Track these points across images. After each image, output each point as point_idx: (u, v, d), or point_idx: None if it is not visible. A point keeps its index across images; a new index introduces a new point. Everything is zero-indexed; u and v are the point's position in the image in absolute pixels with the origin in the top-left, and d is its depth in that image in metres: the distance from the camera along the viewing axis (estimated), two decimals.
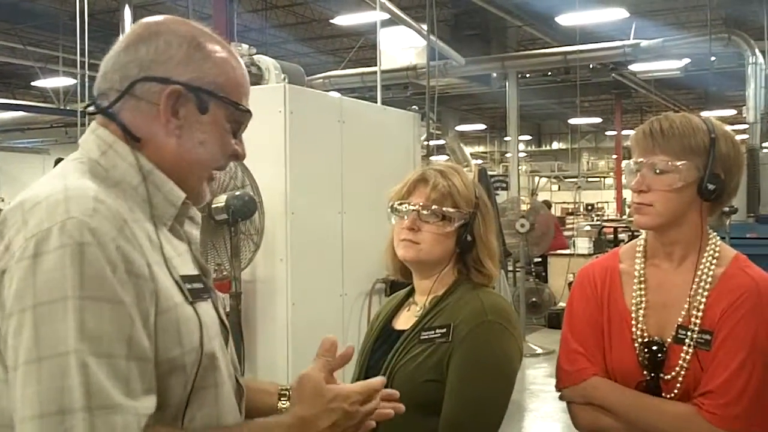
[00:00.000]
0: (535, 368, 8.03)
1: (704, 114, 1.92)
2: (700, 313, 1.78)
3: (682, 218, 1.81)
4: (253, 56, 4.48)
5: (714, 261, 1.82)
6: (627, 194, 17.81)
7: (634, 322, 1.84)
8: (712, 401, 1.71)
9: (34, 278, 1.09)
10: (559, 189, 35.81)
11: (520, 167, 17.64)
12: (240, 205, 3.56)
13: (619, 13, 13.05)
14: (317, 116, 4.19)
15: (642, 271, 1.88)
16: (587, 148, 35.58)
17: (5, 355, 1.11)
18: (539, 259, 11.34)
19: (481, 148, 35.24)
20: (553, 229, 9.75)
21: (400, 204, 1.93)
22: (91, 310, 1.09)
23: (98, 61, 1.34)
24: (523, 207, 9.40)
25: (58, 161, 1.47)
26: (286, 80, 4.38)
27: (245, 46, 4.51)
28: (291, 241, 3.90)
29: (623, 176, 2.05)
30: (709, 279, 1.80)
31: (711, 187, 1.78)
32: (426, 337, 1.84)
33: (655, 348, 1.78)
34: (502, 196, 11.31)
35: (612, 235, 12.14)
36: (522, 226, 9.08)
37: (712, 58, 12.17)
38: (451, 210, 1.88)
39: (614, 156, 27.69)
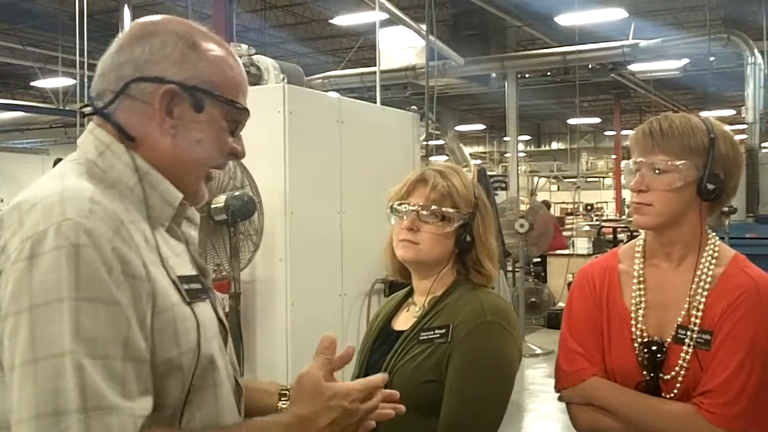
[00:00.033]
0: (535, 368, 8.03)
1: (703, 114, 1.92)
2: (699, 313, 1.78)
3: (681, 218, 1.82)
4: (252, 56, 4.48)
5: (713, 261, 1.82)
6: (626, 194, 17.83)
7: (633, 322, 1.84)
8: (712, 400, 1.71)
9: (30, 280, 1.09)
10: (558, 189, 35.82)
11: (519, 167, 17.64)
12: (239, 205, 3.56)
13: (618, 13, 13.06)
14: (316, 116, 4.19)
15: (641, 271, 1.88)
16: (586, 148, 35.59)
17: (2, 356, 1.11)
18: (538, 260, 11.34)
19: (480, 149, 35.25)
20: (552, 229, 9.75)
21: (400, 204, 1.93)
22: (87, 311, 1.09)
23: (97, 61, 1.34)
24: (523, 207, 9.40)
25: (57, 161, 1.47)
26: (285, 80, 4.39)
27: (244, 47, 4.51)
28: (290, 242, 3.90)
29: (622, 176, 2.05)
30: (709, 279, 1.80)
31: (710, 186, 1.78)
32: (425, 337, 1.84)
33: (654, 348, 1.78)
34: (501, 197, 11.31)
35: (611, 236, 12.14)
36: (521, 226, 9.08)
37: (711, 59, 12.15)
38: (450, 210, 1.88)
39: (613, 156, 27.71)
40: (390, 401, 1.45)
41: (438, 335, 1.82)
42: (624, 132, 24.31)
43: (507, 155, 19.79)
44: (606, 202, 29.82)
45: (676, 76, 15.32)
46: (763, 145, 10.85)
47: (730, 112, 19.83)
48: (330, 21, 15.41)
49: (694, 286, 1.80)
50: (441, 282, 1.92)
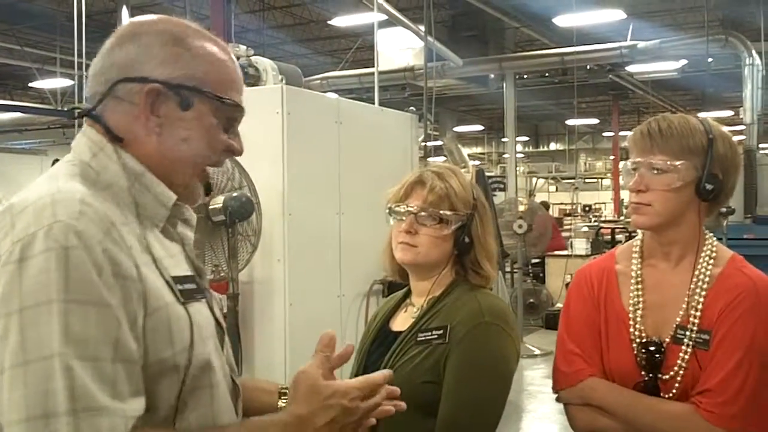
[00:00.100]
0: (533, 369, 8.03)
1: (701, 115, 1.92)
2: (698, 313, 1.78)
3: (680, 218, 1.82)
4: (251, 57, 4.48)
5: (711, 261, 1.83)
6: (624, 195, 17.84)
7: (631, 323, 1.84)
8: (710, 400, 1.71)
9: (20, 282, 1.10)
10: (556, 190, 35.82)
11: (517, 168, 17.65)
12: (237, 206, 3.56)
13: (616, 15, 13.07)
14: (315, 117, 4.19)
15: (639, 272, 1.88)
16: (584, 149, 35.60)
17: None
18: (537, 260, 11.35)
19: (478, 149, 35.25)
20: (550, 229, 9.75)
21: (397, 206, 1.93)
22: (76, 313, 1.09)
23: None
24: (521, 208, 9.41)
25: (55, 162, 1.47)
26: (284, 81, 4.39)
27: (243, 47, 4.51)
28: (288, 242, 3.90)
29: (621, 177, 2.06)
30: (707, 279, 1.81)
31: (709, 187, 1.78)
32: (423, 338, 1.84)
33: (652, 348, 1.79)
34: (499, 197, 11.32)
35: (609, 236, 12.15)
36: (519, 227, 9.08)
37: (709, 60, 12.17)
38: (448, 213, 1.88)
39: (612, 157, 27.73)
40: (390, 398, 1.44)
41: (436, 336, 1.82)
42: (622, 133, 24.33)
43: (505, 156, 19.76)
44: (604, 203, 29.81)
45: (674, 77, 15.34)
46: (761, 146, 10.86)
47: (728, 113, 19.85)
48: (328, 22, 15.40)
49: (692, 285, 1.81)
50: (439, 283, 1.92)
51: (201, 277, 1.38)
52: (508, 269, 9.97)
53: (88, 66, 1.36)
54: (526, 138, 34.24)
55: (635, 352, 1.81)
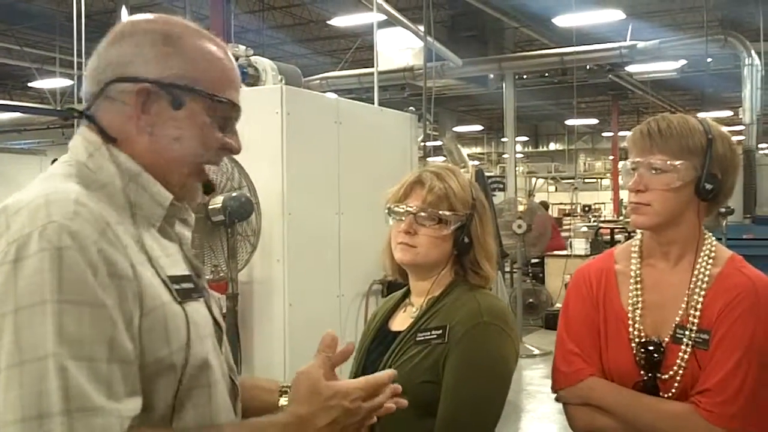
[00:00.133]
0: (532, 369, 8.03)
1: (701, 115, 1.93)
2: (697, 313, 1.78)
3: (679, 218, 1.82)
4: (250, 57, 4.48)
5: (710, 261, 1.83)
6: (624, 195, 17.83)
7: (630, 322, 1.84)
8: (710, 399, 1.71)
9: (14, 283, 1.10)
10: (556, 190, 35.84)
11: (517, 168, 17.66)
12: (237, 206, 3.56)
13: (616, 15, 13.08)
14: (314, 117, 4.19)
15: (638, 271, 1.89)
16: (584, 149, 35.61)
17: None
18: (537, 260, 11.35)
19: (478, 149, 35.25)
20: (550, 229, 9.76)
21: (397, 206, 1.93)
22: (71, 313, 1.09)
23: None
24: (521, 208, 9.41)
25: (55, 162, 1.48)
26: (283, 81, 4.39)
27: (242, 47, 4.51)
28: (288, 242, 3.90)
29: (620, 177, 2.06)
30: (706, 278, 1.81)
31: (708, 186, 1.79)
32: (422, 338, 1.84)
33: (651, 348, 1.79)
34: (499, 197, 11.32)
35: (609, 236, 12.15)
36: (519, 227, 9.08)
37: (709, 60, 12.17)
38: (447, 213, 1.88)
39: (611, 157, 27.73)
40: (392, 395, 1.43)
41: (435, 336, 1.82)
42: (621, 133, 24.33)
43: (505, 156, 19.77)
44: (603, 203, 29.81)
45: (673, 78, 15.34)
46: (760, 146, 10.86)
47: (728, 113, 19.87)
48: (328, 22, 15.41)
49: (691, 285, 1.81)
50: (439, 283, 1.92)
51: (199, 277, 1.38)
52: (507, 269, 9.97)
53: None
54: (525, 138, 34.25)
55: (634, 351, 1.82)
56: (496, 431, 1.81)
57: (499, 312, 1.85)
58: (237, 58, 4.39)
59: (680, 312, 1.80)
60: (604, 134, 32.04)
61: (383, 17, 10.00)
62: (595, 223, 15.56)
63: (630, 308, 1.85)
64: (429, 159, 7.08)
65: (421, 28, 9.92)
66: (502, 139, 23.18)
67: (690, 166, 1.78)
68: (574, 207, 25.24)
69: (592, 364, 1.86)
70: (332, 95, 6.26)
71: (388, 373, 1.40)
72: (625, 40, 13.06)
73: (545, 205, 12.78)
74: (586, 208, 24.67)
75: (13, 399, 1.06)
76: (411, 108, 5.51)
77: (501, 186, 13.34)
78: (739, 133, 10.85)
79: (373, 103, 5.50)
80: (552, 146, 36.94)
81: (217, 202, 3.56)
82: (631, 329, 1.83)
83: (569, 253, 11.09)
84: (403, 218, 1.90)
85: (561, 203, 29.01)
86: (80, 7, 8.04)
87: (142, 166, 1.29)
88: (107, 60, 1.30)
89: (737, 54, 11.91)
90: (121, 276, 1.15)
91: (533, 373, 7.86)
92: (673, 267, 1.86)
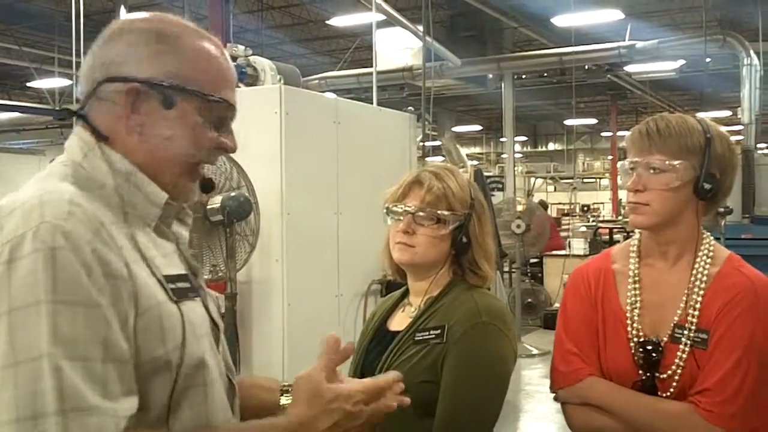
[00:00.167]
0: (531, 369, 8.03)
1: (699, 115, 1.93)
2: (696, 312, 1.78)
3: (678, 217, 1.82)
4: (249, 57, 4.48)
5: (709, 260, 1.83)
6: (622, 195, 17.84)
7: (629, 322, 1.84)
8: (709, 399, 1.71)
9: (8, 284, 1.10)
10: (554, 190, 35.83)
11: (515, 168, 17.67)
12: (235, 206, 3.56)
13: (615, 15, 13.09)
14: (313, 117, 4.19)
15: (636, 271, 1.89)
16: (583, 149, 35.62)
17: None
18: (536, 260, 11.36)
19: (477, 149, 35.26)
20: (548, 229, 9.76)
21: (395, 206, 1.93)
22: (65, 313, 1.09)
23: None
24: (519, 208, 9.41)
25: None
26: (282, 81, 4.39)
27: (241, 47, 4.51)
28: (287, 242, 3.90)
29: (619, 177, 2.06)
30: (705, 278, 1.81)
31: (707, 186, 1.79)
32: (420, 338, 1.84)
33: (650, 347, 1.79)
34: (498, 197, 11.32)
35: (607, 236, 12.15)
36: (518, 227, 9.09)
37: (707, 60, 12.19)
38: (445, 213, 1.88)
39: (610, 157, 27.72)
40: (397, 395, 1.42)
41: (433, 336, 1.82)
42: (620, 133, 24.32)
43: (503, 156, 19.77)
44: (602, 203, 29.82)
45: (672, 77, 15.36)
46: (758, 146, 10.87)
47: (726, 113, 19.88)
48: (327, 22, 15.41)
49: (690, 285, 1.81)
50: (437, 283, 1.92)
51: (196, 276, 1.38)
52: (506, 269, 9.98)
53: None
54: (524, 138, 34.25)
55: (633, 351, 1.82)
56: (495, 431, 1.81)
57: (497, 312, 1.85)
58: (236, 58, 4.40)
59: (679, 312, 1.80)
60: (603, 134, 32.06)
61: (382, 17, 10.00)
62: (594, 223, 15.57)
63: (628, 308, 1.86)
64: (428, 159, 7.08)
65: (420, 28, 9.92)
66: (501, 139, 23.19)
67: (688, 166, 1.78)
68: (572, 207, 25.24)
69: (590, 364, 1.86)
70: (331, 95, 6.26)
71: (392, 375, 1.39)
72: (624, 40, 13.08)
73: (544, 205, 12.78)
74: (585, 208, 24.71)
75: (7, 399, 1.06)
76: (410, 108, 5.51)
77: (500, 186, 13.37)
78: (737, 132, 10.85)
79: (371, 103, 5.50)
80: (551, 146, 36.95)
81: (215, 201, 3.56)
82: (629, 329, 1.84)
83: (568, 253, 11.10)
84: (402, 218, 1.90)
85: (560, 203, 29.00)
86: (79, 7, 8.03)
87: (136, 165, 1.28)
88: (100, 59, 1.30)
89: (736, 54, 11.92)
90: (116, 276, 1.15)
91: (532, 373, 7.86)
92: (671, 267, 1.86)
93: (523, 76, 15.57)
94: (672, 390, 1.77)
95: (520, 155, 32.97)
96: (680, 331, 1.78)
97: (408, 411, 1.49)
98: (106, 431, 1.08)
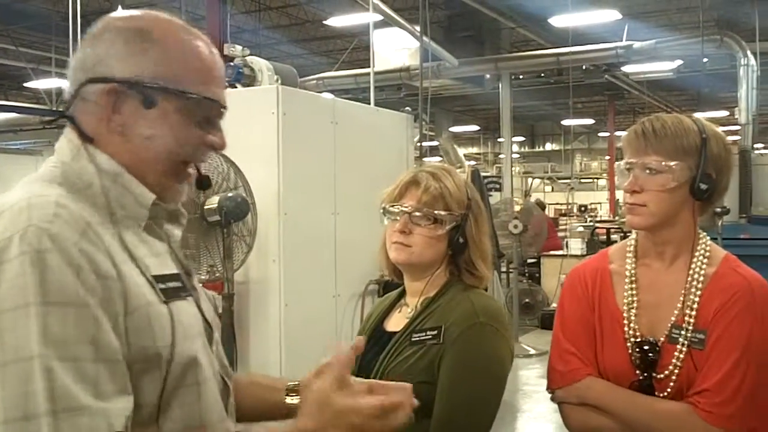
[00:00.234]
0: (528, 369, 8.04)
1: (697, 115, 1.93)
2: (693, 312, 1.78)
3: (674, 218, 1.83)
4: (246, 57, 4.47)
5: (705, 260, 1.83)
6: (620, 195, 17.83)
7: (626, 322, 1.84)
8: (708, 399, 1.72)
9: None
10: (552, 190, 35.84)
11: (513, 168, 17.66)
12: (232, 206, 3.56)
13: (612, 15, 13.10)
14: (310, 117, 4.19)
15: (633, 271, 1.89)
16: (580, 149, 35.64)
17: None
18: (533, 260, 11.36)
19: (474, 149, 35.25)
20: (546, 229, 9.77)
21: (392, 206, 1.93)
22: (55, 315, 1.09)
23: None
24: (517, 208, 9.41)
25: None
26: (279, 81, 4.38)
27: (239, 48, 4.50)
28: (284, 242, 3.90)
29: (616, 177, 2.06)
30: (701, 278, 1.81)
31: (703, 186, 1.79)
32: (417, 338, 1.84)
33: (647, 347, 1.79)
34: (495, 197, 11.33)
35: (605, 236, 12.16)
36: (515, 227, 9.09)
37: (705, 60, 12.19)
38: (442, 213, 1.88)
39: (607, 157, 27.73)
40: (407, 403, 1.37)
41: (430, 336, 1.82)
42: (618, 133, 24.31)
43: (501, 156, 19.80)
44: (600, 203, 29.83)
45: (669, 78, 15.37)
46: (756, 146, 10.86)
47: (724, 113, 19.87)
48: (324, 22, 15.40)
49: (687, 285, 1.81)
50: (433, 283, 1.92)
51: (189, 275, 1.37)
52: (503, 269, 9.98)
53: None
54: (521, 138, 34.26)
55: (630, 351, 1.82)
56: (493, 431, 1.81)
57: (493, 312, 1.85)
58: (233, 59, 4.40)
59: (676, 312, 1.80)
60: (601, 134, 32.06)
61: (379, 17, 10.01)
62: (592, 223, 15.58)
63: (625, 308, 1.86)
64: (425, 159, 7.08)
65: (418, 28, 9.93)
66: (499, 139, 23.16)
67: (685, 167, 1.79)
68: (570, 207, 25.24)
69: (588, 364, 1.86)
70: (328, 95, 6.26)
71: (403, 393, 1.35)
72: (622, 41, 13.07)
73: (542, 205, 12.79)
74: (583, 208, 24.71)
75: None
76: (407, 108, 5.51)
77: (497, 186, 13.37)
78: (734, 133, 10.86)
79: (369, 104, 5.50)
80: (548, 146, 36.96)
81: (212, 202, 3.56)
82: (626, 329, 1.84)
83: (565, 253, 11.11)
84: (398, 218, 1.90)
85: (557, 203, 29.02)
86: (76, 7, 8.01)
87: (123, 166, 1.28)
88: (83, 60, 1.29)
89: (733, 54, 11.92)
90: (105, 275, 1.15)
91: (529, 373, 7.87)
92: (668, 267, 1.86)
93: (521, 77, 15.56)
94: (669, 390, 1.77)
95: (518, 155, 32.97)
96: (677, 332, 1.78)
97: None
98: (98, 431, 1.08)
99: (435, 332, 1.82)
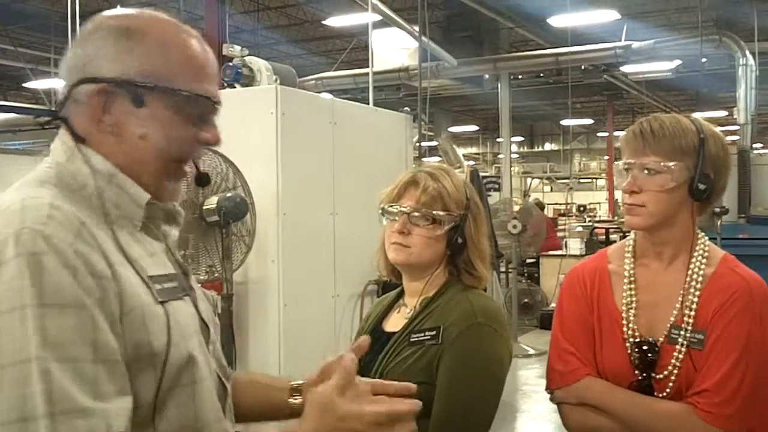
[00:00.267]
0: (527, 369, 8.04)
1: (695, 115, 1.93)
2: (692, 313, 1.78)
3: (673, 218, 1.83)
4: (245, 57, 4.47)
5: (704, 261, 1.83)
6: (619, 195, 17.83)
7: (624, 322, 1.84)
8: (707, 400, 1.72)
9: None
10: (551, 190, 35.86)
11: (512, 168, 17.67)
12: (231, 206, 3.56)
13: (611, 15, 13.10)
14: (309, 117, 4.19)
15: (632, 271, 1.89)
16: (579, 150, 35.66)
17: None
18: (532, 260, 11.36)
19: (473, 150, 35.27)
20: (545, 229, 9.77)
21: (390, 206, 1.93)
22: (52, 316, 1.09)
23: None
24: (516, 208, 9.41)
25: None
26: (278, 81, 4.38)
27: (237, 48, 4.50)
28: (283, 243, 3.90)
29: (614, 177, 2.06)
30: (700, 278, 1.81)
31: (702, 187, 1.79)
32: (416, 339, 1.84)
33: (646, 348, 1.79)
34: (494, 197, 11.33)
35: (604, 236, 12.17)
36: (514, 227, 9.09)
37: (703, 60, 12.20)
38: (441, 213, 1.88)
39: (606, 157, 27.76)
40: (406, 396, 1.37)
41: (429, 337, 1.82)
42: (617, 133, 24.33)
43: (500, 156, 19.79)
44: (599, 203, 29.85)
45: (668, 78, 15.37)
46: (754, 146, 10.86)
47: (722, 113, 19.89)
48: (323, 22, 15.40)
49: (686, 285, 1.81)
50: (432, 283, 1.92)
51: (186, 275, 1.37)
52: (503, 269, 9.98)
53: None
54: (520, 138, 34.30)
55: (629, 351, 1.82)
56: (492, 431, 1.81)
57: (492, 313, 1.85)
58: (232, 59, 4.40)
59: (674, 312, 1.81)
60: (600, 134, 32.08)
61: (378, 17, 10.01)
62: (591, 223, 15.58)
63: (624, 308, 1.86)
64: (424, 159, 7.08)
65: (416, 28, 9.93)
66: (498, 140, 23.15)
67: (683, 167, 1.79)
68: (569, 207, 25.25)
69: (587, 364, 1.86)
70: (327, 95, 6.26)
71: (411, 404, 1.32)
72: (620, 41, 13.08)
73: (541, 205, 12.81)
74: (582, 208, 24.72)
75: None
76: (406, 108, 5.51)
77: (496, 186, 13.38)
78: (733, 133, 10.86)
79: (368, 104, 5.50)
80: (547, 146, 36.98)
81: (211, 202, 3.56)
82: (625, 329, 1.84)
83: (564, 253, 11.11)
84: (397, 218, 1.90)
85: (556, 203, 29.03)
86: (75, 8, 8.01)
87: (117, 166, 1.28)
88: (74, 60, 1.29)
89: (732, 54, 11.93)
90: (102, 276, 1.15)
91: (528, 373, 7.87)
92: (666, 267, 1.86)
93: (520, 77, 15.57)
94: (668, 390, 1.77)
95: (517, 155, 32.99)
96: (676, 332, 1.79)
97: None
98: None
99: (434, 333, 1.82)
